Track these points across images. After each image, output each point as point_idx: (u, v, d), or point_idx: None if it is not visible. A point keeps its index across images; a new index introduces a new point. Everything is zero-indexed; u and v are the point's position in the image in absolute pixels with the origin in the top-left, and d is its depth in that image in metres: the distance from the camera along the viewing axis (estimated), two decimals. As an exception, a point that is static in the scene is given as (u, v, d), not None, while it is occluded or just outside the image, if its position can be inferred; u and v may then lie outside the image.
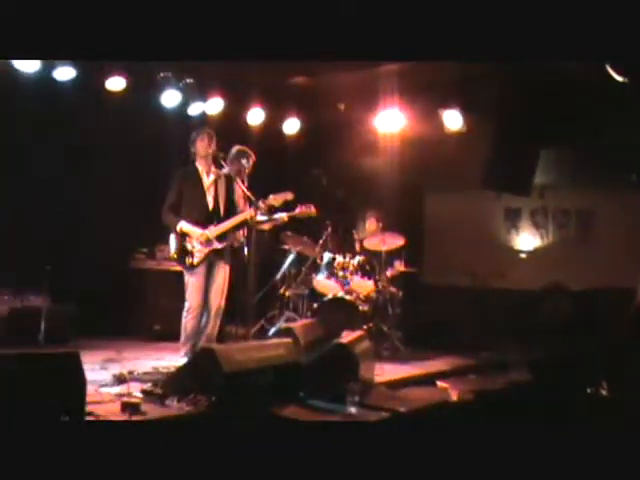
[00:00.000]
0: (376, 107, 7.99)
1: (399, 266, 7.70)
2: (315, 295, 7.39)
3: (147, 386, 4.76)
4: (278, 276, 7.71)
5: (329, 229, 7.52)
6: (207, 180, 6.01)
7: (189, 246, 5.83)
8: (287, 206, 6.33)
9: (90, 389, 4.18)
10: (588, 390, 4.62)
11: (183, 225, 5.85)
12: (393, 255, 7.73)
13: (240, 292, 6.00)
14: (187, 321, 5.82)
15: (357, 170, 8.82)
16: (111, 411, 4.21)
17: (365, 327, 6.81)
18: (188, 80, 7.53)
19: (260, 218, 6.22)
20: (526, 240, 9.20)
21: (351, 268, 7.33)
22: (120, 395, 4.58)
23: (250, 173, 6.49)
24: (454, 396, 5.47)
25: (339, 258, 7.39)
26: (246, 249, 6.23)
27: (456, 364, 6.93)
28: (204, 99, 7.81)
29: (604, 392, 4.59)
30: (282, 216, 6.46)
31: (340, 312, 6.96)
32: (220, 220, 5.93)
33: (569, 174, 8.62)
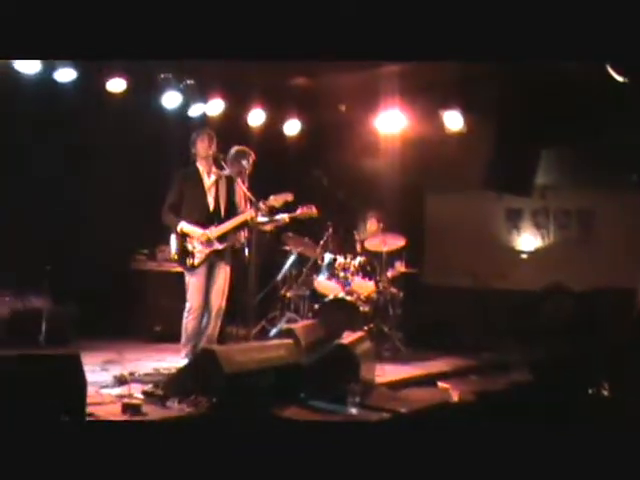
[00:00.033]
0: (377, 108, 7.98)
1: (400, 267, 7.70)
2: (316, 296, 7.39)
3: (148, 387, 4.76)
4: (279, 277, 7.70)
5: (330, 230, 7.51)
6: (208, 181, 6.01)
7: (190, 247, 5.83)
8: (288, 207, 6.33)
9: (91, 390, 4.19)
10: (589, 390, 4.61)
11: (184, 225, 5.84)
12: (394, 256, 7.72)
13: (241, 293, 6.00)
14: (188, 322, 5.82)
15: (358, 171, 8.82)
16: (112, 412, 4.21)
17: (366, 328, 6.80)
18: (188, 81, 7.53)
19: (261, 219, 6.22)
20: (527, 240, 9.19)
21: (352, 269, 7.33)
22: (121, 396, 4.58)
23: (250, 173, 6.48)
24: (455, 397, 5.46)
25: (340, 259, 7.38)
26: (247, 250, 6.22)
27: (457, 365, 6.92)
28: (205, 100, 7.80)
29: (605, 392, 4.58)
30: (283, 217, 6.46)
31: (341, 313, 6.95)
32: (221, 221, 5.93)
33: (570, 174, 8.62)
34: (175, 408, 4.37)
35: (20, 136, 6.93)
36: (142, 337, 7.38)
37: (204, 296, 5.84)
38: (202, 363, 4.56)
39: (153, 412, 4.28)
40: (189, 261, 5.81)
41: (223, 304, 5.91)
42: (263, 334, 7.12)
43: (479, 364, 7.00)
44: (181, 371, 4.86)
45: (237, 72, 7.12)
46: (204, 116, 7.85)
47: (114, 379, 5.09)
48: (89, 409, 3.98)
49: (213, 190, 6.00)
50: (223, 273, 5.92)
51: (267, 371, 4.67)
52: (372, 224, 7.86)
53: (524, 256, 9.17)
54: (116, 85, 7.03)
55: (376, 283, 7.38)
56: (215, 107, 7.83)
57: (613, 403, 4.49)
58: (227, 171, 6.17)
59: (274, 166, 7.80)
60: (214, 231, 5.87)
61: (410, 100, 7.82)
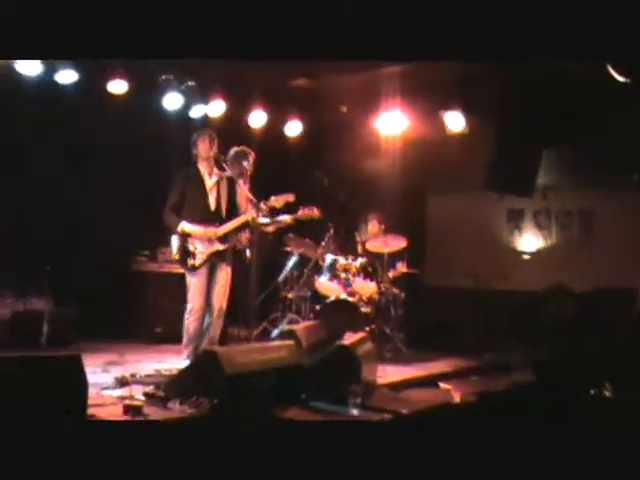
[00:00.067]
0: (377, 109, 7.99)
1: (401, 267, 7.69)
2: (317, 297, 7.38)
3: (149, 389, 4.76)
4: (280, 278, 7.69)
5: (331, 231, 7.51)
6: (209, 181, 6.01)
7: (191, 247, 5.82)
8: (289, 208, 6.33)
9: (92, 392, 4.18)
10: (591, 391, 4.60)
11: (185, 225, 5.84)
12: (395, 257, 7.71)
13: (242, 294, 6.00)
14: (189, 323, 5.82)
15: (359, 172, 8.82)
16: (113, 414, 4.21)
17: (367, 329, 6.81)
18: (190, 83, 7.53)
19: (264, 220, 6.23)
20: (529, 241, 9.18)
21: (353, 270, 7.32)
22: (122, 398, 4.58)
23: (252, 174, 6.49)
24: (457, 398, 5.46)
25: (341, 260, 7.38)
26: (248, 251, 6.22)
27: (459, 366, 6.92)
28: (206, 101, 7.80)
29: (607, 393, 4.57)
30: (286, 218, 6.47)
31: (342, 314, 6.95)
32: (222, 221, 5.93)
33: (571, 174, 8.62)
34: (176, 409, 4.37)
35: (22, 137, 6.95)
36: (143, 338, 7.38)
37: (205, 297, 5.84)
38: (203, 364, 4.55)
39: (154, 413, 4.27)
40: (190, 262, 5.81)
41: (224, 305, 5.91)
42: (265, 335, 7.13)
43: (481, 365, 7.00)
44: (182, 372, 4.86)
45: (238, 73, 7.13)
46: (205, 117, 7.85)
47: (115, 380, 5.09)
48: (90, 410, 3.98)
49: (214, 191, 6.00)
50: (224, 274, 5.91)
51: (268, 372, 4.67)
52: (373, 225, 7.86)
53: (526, 257, 9.16)
54: (117, 86, 7.03)
55: (377, 284, 7.38)
56: (216, 108, 7.83)
57: (615, 403, 4.48)
58: (228, 172, 6.17)
59: (275, 167, 7.80)
60: (217, 231, 5.87)
61: (411, 101, 7.82)
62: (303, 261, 7.67)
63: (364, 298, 7.22)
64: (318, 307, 7.14)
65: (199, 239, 5.84)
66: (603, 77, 5.59)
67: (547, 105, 6.96)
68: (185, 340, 5.83)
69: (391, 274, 7.59)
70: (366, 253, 7.60)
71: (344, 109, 8.44)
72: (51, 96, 6.81)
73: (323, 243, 7.49)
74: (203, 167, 6.01)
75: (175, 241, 5.89)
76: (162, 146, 7.44)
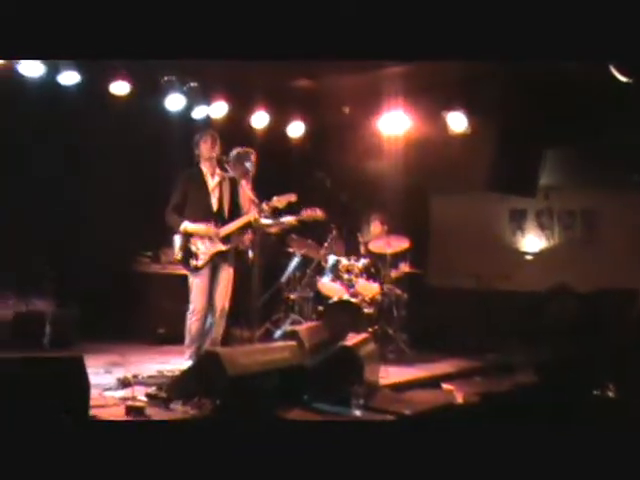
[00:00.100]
0: (380, 109, 7.97)
1: (404, 268, 7.68)
2: (320, 298, 7.38)
3: (151, 390, 4.76)
4: (283, 279, 7.69)
5: (334, 232, 7.50)
6: (211, 182, 6.00)
7: (193, 248, 5.82)
8: (292, 209, 6.32)
9: (94, 393, 4.19)
10: (594, 391, 4.59)
11: (187, 225, 5.84)
12: (398, 258, 7.71)
13: (245, 295, 5.99)
14: (191, 323, 5.82)
15: (361, 173, 8.81)
16: (115, 415, 4.21)
17: (370, 330, 6.81)
18: (192, 84, 7.53)
19: (268, 222, 6.23)
20: (531, 241, 9.17)
21: (356, 271, 7.32)
22: (124, 399, 4.58)
23: (254, 174, 6.48)
24: (459, 398, 5.45)
25: (344, 261, 7.38)
26: (250, 252, 6.22)
27: (461, 366, 6.91)
28: (208, 103, 7.80)
29: (610, 393, 4.56)
30: (290, 220, 6.47)
31: (345, 315, 6.95)
32: (224, 222, 5.93)
33: (574, 174, 8.59)
34: (179, 410, 4.37)
35: (26, 139, 6.97)
36: (146, 339, 7.39)
37: (208, 297, 5.84)
38: (206, 365, 4.55)
39: (156, 414, 4.28)
40: (193, 262, 5.81)
41: (227, 305, 5.91)
42: (267, 336, 7.12)
43: (484, 366, 6.98)
44: (185, 373, 4.86)
45: (240, 74, 7.13)
46: (208, 118, 7.85)
47: (117, 381, 5.10)
48: (92, 411, 3.99)
49: (217, 191, 6.00)
50: (226, 274, 5.91)
51: (271, 373, 4.67)
52: (376, 226, 7.85)
53: (528, 257, 9.14)
54: (119, 88, 7.02)
55: (380, 285, 7.37)
56: (219, 109, 7.83)
57: (618, 404, 4.47)
58: (231, 173, 6.17)
59: (277, 168, 7.79)
60: (219, 231, 5.87)
61: (413, 101, 7.80)
62: (306, 262, 7.68)
63: (367, 299, 7.21)
64: (321, 308, 7.14)
65: (201, 240, 5.83)
66: (606, 77, 5.58)
67: (550, 105, 6.95)
68: (187, 340, 5.84)
69: (394, 275, 7.58)
70: (369, 254, 7.59)
71: (346, 110, 8.43)
72: (54, 97, 6.82)
73: (326, 244, 7.48)
74: (205, 167, 6.02)
75: (177, 241, 5.89)
76: (164, 147, 7.44)
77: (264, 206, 5.89)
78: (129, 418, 4.17)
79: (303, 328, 6.09)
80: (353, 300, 7.07)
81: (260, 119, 8.18)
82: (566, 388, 4.42)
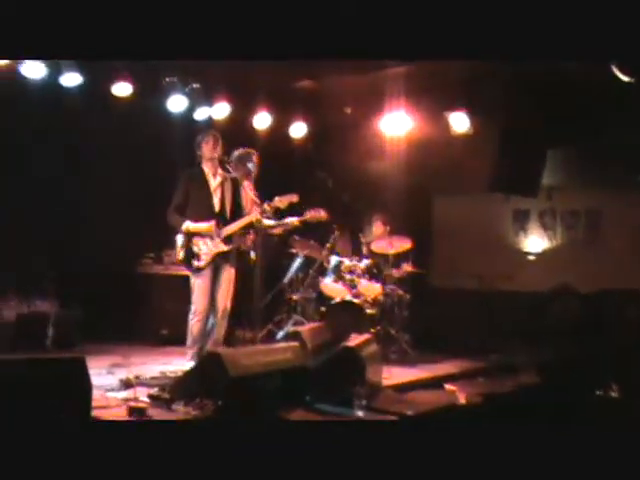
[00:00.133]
0: (382, 110, 7.97)
1: (406, 268, 7.67)
2: (322, 298, 7.37)
3: (154, 391, 4.75)
4: (285, 280, 7.69)
5: (336, 232, 7.50)
6: (213, 182, 6.01)
7: (195, 248, 5.83)
8: (294, 209, 6.32)
9: (96, 394, 4.19)
10: (597, 392, 4.59)
11: (189, 225, 5.84)
12: (400, 258, 7.70)
13: (247, 296, 5.99)
14: (193, 324, 5.82)
15: (363, 173, 8.81)
16: (117, 416, 4.21)
17: (373, 330, 6.79)
18: (194, 85, 7.53)
19: (271, 222, 6.23)
20: (534, 242, 9.15)
21: (358, 271, 7.31)
22: (126, 400, 4.58)
23: (256, 175, 6.48)
24: (462, 399, 5.44)
25: (346, 261, 7.37)
26: (253, 252, 6.22)
27: (464, 367, 6.90)
28: (210, 104, 7.80)
29: (613, 394, 4.56)
30: (293, 221, 6.48)
31: (347, 315, 6.94)
32: (226, 222, 5.93)
33: (577, 174, 8.58)
34: (181, 411, 4.37)
35: (28, 140, 6.97)
36: (148, 340, 7.39)
37: (209, 298, 5.84)
38: (208, 366, 4.55)
39: (159, 415, 4.27)
40: (194, 263, 5.81)
41: (228, 306, 5.91)
42: (270, 337, 7.12)
43: (486, 366, 6.97)
44: (187, 374, 4.86)
45: (242, 75, 7.13)
46: (210, 119, 7.85)
47: (120, 382, 5.10)
48: (95, 412, 3.98)
49: (219, 192, 6.00)
50: (228, 275, 5.91)
51: (273, 374, 4.66)
52: (378, 227, 7.84)
53: (531, 257, 9.12)
54: (121, 89, 7.03)
55: (383, 285, 7.37)
56: (221, 110, 7.83)
57: (620, 404, 4.47)
58: (233, 173, 6.17)
59: (280, 169, 7.80)
60: (222, 230, 5.87)
61: (415, 102, 7.80)
62: (308, 263, 7.67)
63: (369, 299, 7.21)
64: (323, 309, 7.13)
65: (203, 240, 5.83)
66: (610, 77, 5.57)
67: (552, 105, 6.94)
68: (189, 341, 5.84)
69: (396, 275, 7.58)
70: (371, 254, 7.59)
71: (348, 110, 8.43)
72: (56, 99, 6.82)
73: (328, 245, 7.48)
74: (207, 168, 6.02)
75: (179, 242, 5.89)
76: (166, 149, 7.45)
77: (266, 207, 5.90)
78: (131, 419, 4.17)
79: (305, 329, 6.07)
80: (355, 301, 7.07)
81: (262, 120, 8.19)
82: (569, 388, 4.42)
